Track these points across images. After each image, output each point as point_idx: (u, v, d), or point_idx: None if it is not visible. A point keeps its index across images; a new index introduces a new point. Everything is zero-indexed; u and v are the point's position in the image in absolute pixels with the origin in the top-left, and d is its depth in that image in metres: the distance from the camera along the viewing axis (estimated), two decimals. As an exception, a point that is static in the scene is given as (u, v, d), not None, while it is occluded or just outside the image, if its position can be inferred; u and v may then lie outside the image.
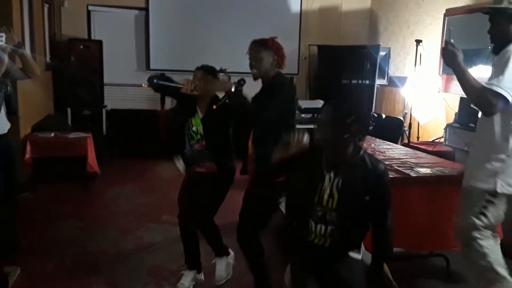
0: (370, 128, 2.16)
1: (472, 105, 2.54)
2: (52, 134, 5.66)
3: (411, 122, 6.12)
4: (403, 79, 6.69)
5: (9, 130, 3.47)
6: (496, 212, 2.54)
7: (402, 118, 6.37)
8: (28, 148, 5.26)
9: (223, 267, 3.40)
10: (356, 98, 2.03)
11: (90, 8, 7.51)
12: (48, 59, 6.83)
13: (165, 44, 7.75)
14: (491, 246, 2.55)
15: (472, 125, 4.36)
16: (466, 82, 2.46)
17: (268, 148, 2.47)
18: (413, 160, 3.56)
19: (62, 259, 3.72)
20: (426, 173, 3.17)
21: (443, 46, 2.60)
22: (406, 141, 6.01)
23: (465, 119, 4.59)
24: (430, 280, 3.05)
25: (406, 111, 6.44)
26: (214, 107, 2.89)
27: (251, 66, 2.91)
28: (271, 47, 2.90)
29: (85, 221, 4.62)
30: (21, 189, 4.79)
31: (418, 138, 6.23)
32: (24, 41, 5.41)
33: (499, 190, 2.48)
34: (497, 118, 2.47)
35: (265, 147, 2.64)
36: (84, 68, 6.98)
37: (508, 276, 2.52)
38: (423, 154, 3.88)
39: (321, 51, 7.85)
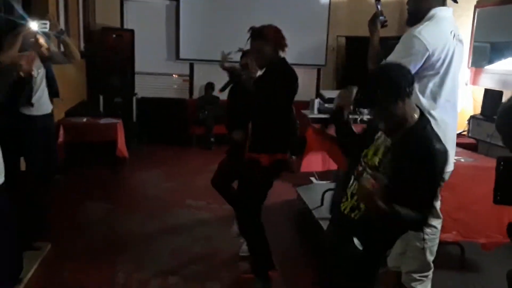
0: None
1: None
2: (85, 119, 5.88)
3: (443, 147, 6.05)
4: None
5: (52, 111, 3.67)
6: None
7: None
8: (61, 132, 5.47)
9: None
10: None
11: (123, -2, 7.71)
12: (82, 47, 7.06)
13: (195, 34, 7.88)
14: (432, 234, 2.70)
15: (495, 117, 4.33)
16: (371, 51, 2.64)
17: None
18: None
19: (91, 238, 3.91)
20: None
21: (374, 14, 2.67)
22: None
23: (489, 110, 4.57)
24: (445, 268, 3.10)
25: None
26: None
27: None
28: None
29: (114, 203, 4.81)
30: (54, 172, 5.00)
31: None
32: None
33: None
34: None
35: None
36: (117, 57, 7.19)
37: (432, 264, 2.74)
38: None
39: (349, 42, 7.83)
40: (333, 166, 4.44)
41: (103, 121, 5.96)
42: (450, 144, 2.63)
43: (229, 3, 7.89)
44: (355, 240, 2.04)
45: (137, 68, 7.49)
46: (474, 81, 5.99)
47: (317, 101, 5.54)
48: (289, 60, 3.06)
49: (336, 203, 2.20)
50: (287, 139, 3.01)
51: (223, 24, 7.78)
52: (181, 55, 7.96)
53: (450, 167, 2.66)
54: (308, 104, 5.82)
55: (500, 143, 4.06)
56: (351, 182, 2.12)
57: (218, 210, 4.62)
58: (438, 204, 2.70)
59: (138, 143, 7.15)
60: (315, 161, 4.62)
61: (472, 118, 4.76)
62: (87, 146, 5.80)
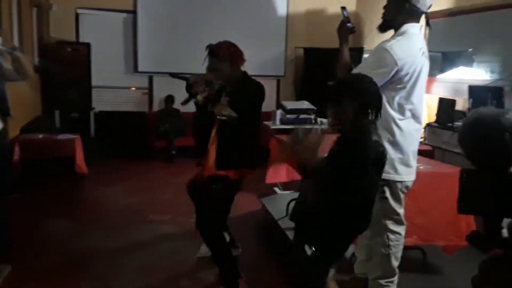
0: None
1: None
2: (41, 136, 5.73)
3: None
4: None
5: (3, 129, 3.53)
6: (394, 199, 2.73)
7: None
8: (17, 149, 5.31)
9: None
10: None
11: (78, 11, 7.58)
12: (36, 62, 6.88)
13: (153, 47, 7.83)
14: (396, 240, 2.77)
15: (450, 124, 4.53)
16: (341, 59, 2.72)
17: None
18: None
19: (53, 257, 3.78)
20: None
21: (342, 22, 2.75)
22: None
23: (444, 119, 4.76)
24: (408, 272, 3.18)
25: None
26: None
27: None
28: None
29: (74, 220, 4.69)
30: (11, 190, 4.83)
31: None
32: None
33: None
34: None
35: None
36: (72, 71, 7.04)
37: (397, 270, 2.80)
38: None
39: (307, 53, 7.98)
40: (298, 176, 4.49)
41: (60, 137, 5.83)
42: (412, 154, 2.73)
43: (187, 15, 7.90)
44: (306, 247, 2.13)
45: (94, 82, 7.36)
46: (428, 90, 6.20)
47: (279, 112, 5.60)
48: (250, 71, 3.09)
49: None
50: (254, 154, 3.04)
51: (182, 36, 7.78)
52: (140, 68, 7.88)
53: (412, 176, 2.75)
54: (270, 115, 5.87)
55: (455, 150, 4.25)
56: None
57: (183, 224, 4.58)
58: (402, 211, 2.78)
59: (97, 158, 6.99)
60: (279, 172, 4.66)
61: (428, 126, 4.94)
62: (45, 163, 5.65)
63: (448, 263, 3.62)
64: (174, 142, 7.42)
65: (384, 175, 2.60)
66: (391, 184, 2.68)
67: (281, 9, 8.32)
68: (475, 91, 4.71)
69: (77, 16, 7.59)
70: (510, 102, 4.41)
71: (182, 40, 7.74)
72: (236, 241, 3.82)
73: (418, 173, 3.25)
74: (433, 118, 5.36)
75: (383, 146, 2.21)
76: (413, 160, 2.75)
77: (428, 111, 5.87)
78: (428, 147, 4.90)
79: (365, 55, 7.08)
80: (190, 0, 7.93)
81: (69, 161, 5.64)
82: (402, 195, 2.75)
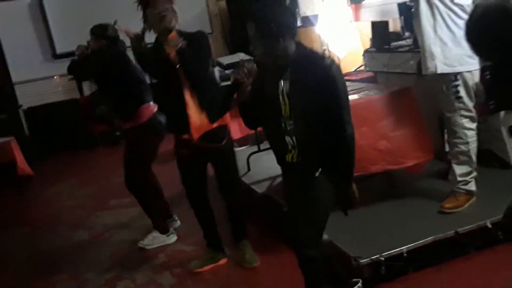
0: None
1: None
2: (-28, 146, 5.33)
3: (331, 57, 6.25)
4: (315, 17, 6.78)
5: None
6: (468, 95, 2.89)
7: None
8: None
9: (151, 237, 3.57)
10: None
11: (-23, 6, 6.96)
12: None
13: (68, 25, 7.19)
14: (473, 136, 2.96)
15: (387, 46, 4.54)
16: None
17: None
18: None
19: (19, 266, 3.62)
20: (353, 99, 3.22)
21: None
22: (330, 76, 6.16)
23: (380, 42, 4.77)
24: (379, 199, 3.23)
25: (324, 47, 6.57)
26: None
27: None
28: None
29: (31, 224, 4.48)
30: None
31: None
32: None
33: (439, 71, 2.85)
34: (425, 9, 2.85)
35: None
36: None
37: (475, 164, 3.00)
38: (348, 83, 3.95)
39: (229, 5, 7.78)
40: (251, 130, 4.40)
41: (-6, 142, 5.44)
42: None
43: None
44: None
45: (15, 78, 6.92)
46: (356, 18, 6.23)
47: (216, 69, 5.44)
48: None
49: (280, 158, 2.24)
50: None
51: (95, 5, 7.17)
52: (58, 51, 7.32)
53: (477, 65, 2.83)
54: (207, 75, 5.72)
55: (397, 70, 4.29)
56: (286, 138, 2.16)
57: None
58: (473, 109, 2.91)
59: (38, 157, 6.61)
60: (233, 130, 4.54)
61: (366, 52, 4.94)
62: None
63: (416, 181, 3.45)
64: (115, 123, 7.11)
65: (455, 69, 2.84)
66: (465, 77, 2.84)
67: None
68: (404, 9, 4.73)
69: (-25, 12, 6.98)
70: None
71: (96, 9, 7.08)
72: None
73: (371, 100, 3.27)
74: (368, 44, 5.37)
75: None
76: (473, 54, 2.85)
77: (362, 37, 5.90)
78: (370, 74, 4.92)
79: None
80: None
81: (10, 166, 5.28)
82: (472, 90, 2.88)
